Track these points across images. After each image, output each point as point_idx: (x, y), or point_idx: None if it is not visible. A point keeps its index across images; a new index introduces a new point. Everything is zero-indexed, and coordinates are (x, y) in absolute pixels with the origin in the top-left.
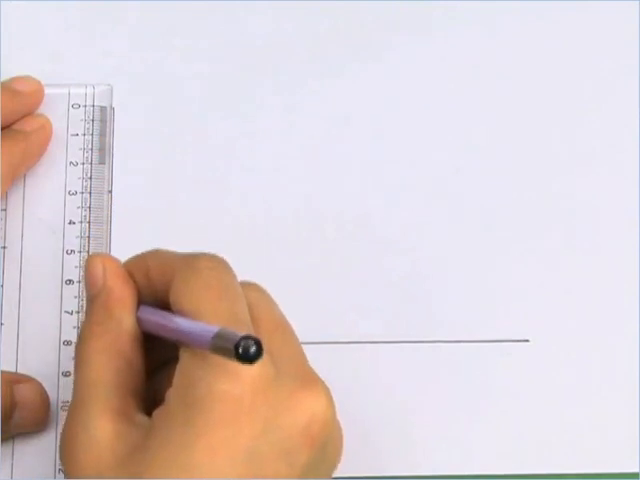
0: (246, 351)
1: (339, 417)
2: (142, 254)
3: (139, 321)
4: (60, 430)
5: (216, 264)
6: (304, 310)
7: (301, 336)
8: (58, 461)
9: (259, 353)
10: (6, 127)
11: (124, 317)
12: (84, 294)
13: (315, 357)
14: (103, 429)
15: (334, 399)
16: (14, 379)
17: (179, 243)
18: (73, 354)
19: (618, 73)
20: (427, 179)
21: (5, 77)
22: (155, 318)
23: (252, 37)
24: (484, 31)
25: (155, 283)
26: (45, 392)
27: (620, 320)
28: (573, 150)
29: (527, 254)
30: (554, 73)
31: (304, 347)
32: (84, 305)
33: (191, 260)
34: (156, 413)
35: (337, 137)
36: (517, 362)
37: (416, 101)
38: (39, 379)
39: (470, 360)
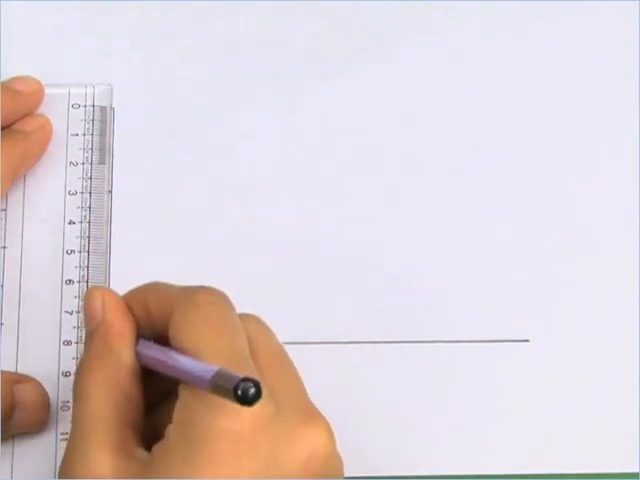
0: (245, 393)
1: (339, 418)
2: (141, 287)
3: (138, 356)
4: (60, 430)
5: (215, 298)
6: (304, 310)
7: (301, 336)
8: (58, 461)
9: (258, 395)
10: (6, 127)
11: (123, 351)
12: (84, 295)
13: (315, 357)
14: (102, 464)
15: (335, 400)
16: (14, 379)
17: (179, 243)
18: (73, 354)
19: (618, 73)
20: (427, 178)
21: (5, 77)
22: (154, 354)
23: (252, 37)
24: (484, 31)
25: (154, 317)
26: (45, 392)
27: (620, 320)
28: (573, 150)
29: (527, 254)
30: (554, 73)
31: (304, 347)
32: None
33: (190, 294)
34: (156, 448)
35: (337, 137)
36: (517, 362)
37: (416, 100)
38: (39, 379)
39: (470, 360)
